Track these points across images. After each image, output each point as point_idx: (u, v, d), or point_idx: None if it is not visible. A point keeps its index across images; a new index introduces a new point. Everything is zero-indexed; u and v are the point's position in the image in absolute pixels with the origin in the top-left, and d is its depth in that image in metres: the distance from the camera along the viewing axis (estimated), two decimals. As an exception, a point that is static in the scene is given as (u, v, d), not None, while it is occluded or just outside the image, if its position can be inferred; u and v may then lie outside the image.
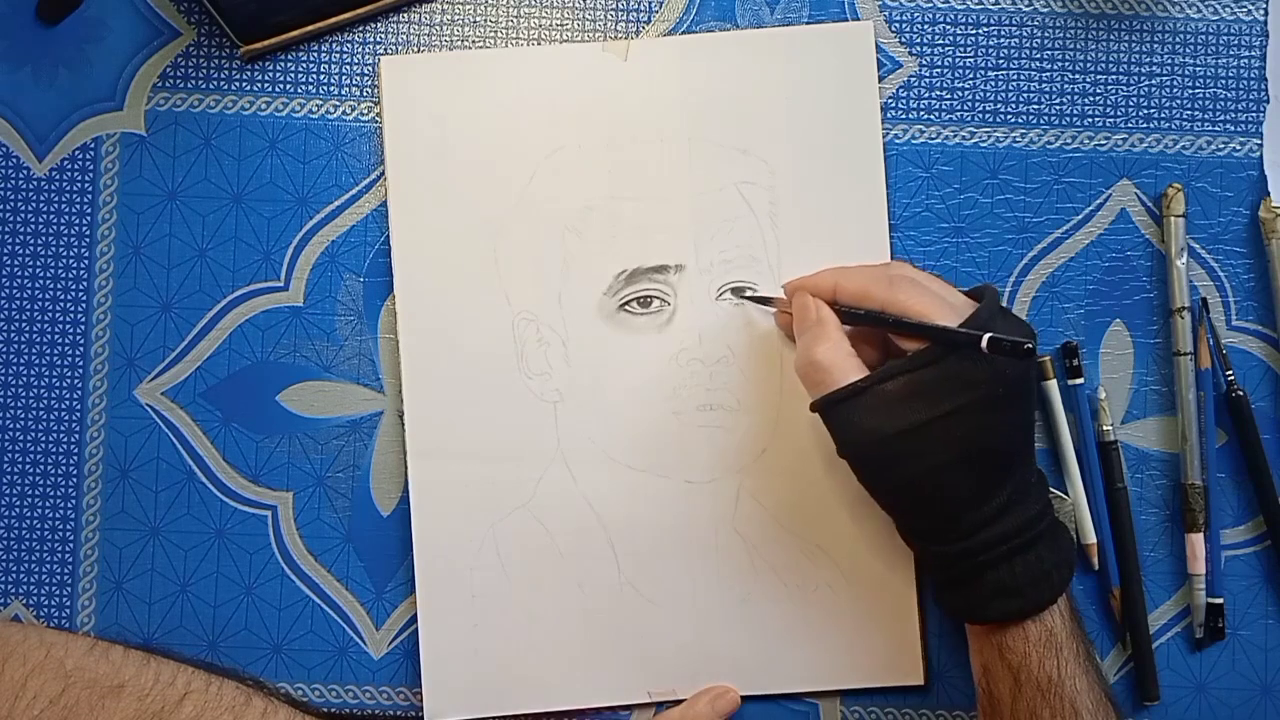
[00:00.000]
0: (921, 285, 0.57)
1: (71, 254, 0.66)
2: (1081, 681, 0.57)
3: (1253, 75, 0.67)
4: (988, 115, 0.67)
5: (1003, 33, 0.67)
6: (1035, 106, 0.67)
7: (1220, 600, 0.65)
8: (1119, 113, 0.67)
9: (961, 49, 0.67)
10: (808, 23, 0.66)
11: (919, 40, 0.67)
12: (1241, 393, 0.65)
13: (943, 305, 0.56)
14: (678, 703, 0.64)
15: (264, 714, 0.61)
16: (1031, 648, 0.57)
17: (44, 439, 0.66)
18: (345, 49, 0.66)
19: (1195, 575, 0.65)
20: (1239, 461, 0.66)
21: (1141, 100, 0.67)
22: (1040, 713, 0.56)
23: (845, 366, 0.57)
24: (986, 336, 0.53)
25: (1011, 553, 0.56)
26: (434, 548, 0.64)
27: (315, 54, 0.66)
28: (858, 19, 0.66)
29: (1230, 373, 0.65)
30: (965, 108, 0.67)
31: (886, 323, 0.57)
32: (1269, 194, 0.66)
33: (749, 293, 0.64)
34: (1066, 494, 0.65)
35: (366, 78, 0.66)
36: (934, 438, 0.55)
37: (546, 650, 0.65)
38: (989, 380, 0.55)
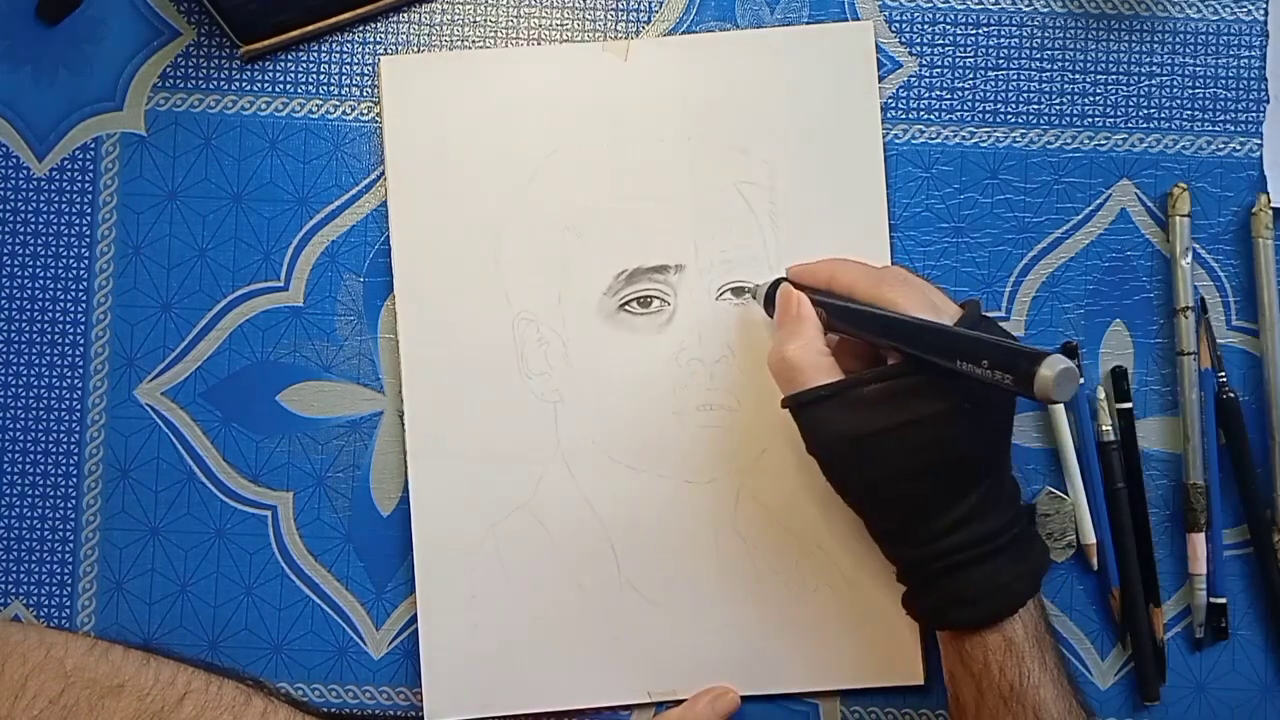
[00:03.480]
0: (912, 285, 0.57)
1: (71, 254, 0.66)
2: (1047, 690, 0.56)
3: (1253, 75, 0.67)
4: (988, 115, 0.66)
5: (1003, 33, 0.67)
6: (1035, 106, 0.66)
7: (1223, 600, 0.65)
8: (1119, 113, 0.67)
9: (961, 49, 0.67)
10: (808, 23, 0.66)
11: (919, 40, 0.67)
12: (1233, 394, 0.65)
13: (929, 306, 0.56)
14: (678, 703, 0.64)
15: (264, 714, 0.61)
16: (991, 656, 0.56)
17: (44, 439, 0.66)
18: (345, 49, 0.66)
19: (1196, 575, 0.65)
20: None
21: (1141, 100, 0.67)
22: None
23: (817, 365, 0.57)
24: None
25: (968, 562, 0.56)
26: (434, 548, 0.64)
27: (315, 54, 0.66)
28: (858, 19, 0.66)
29: (1222, 375, 0.65)
30: (965, 108, 0.67)
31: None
32: (1266, 193, 0.66)
33: (756, 284, 0.64)
34: (1066, 494, 0.65)
35: (366, 78, 0.66)
36: (900, 443, 0.55)
37: (546, 650, 0.65)
38: (961, 392, 0.54)
